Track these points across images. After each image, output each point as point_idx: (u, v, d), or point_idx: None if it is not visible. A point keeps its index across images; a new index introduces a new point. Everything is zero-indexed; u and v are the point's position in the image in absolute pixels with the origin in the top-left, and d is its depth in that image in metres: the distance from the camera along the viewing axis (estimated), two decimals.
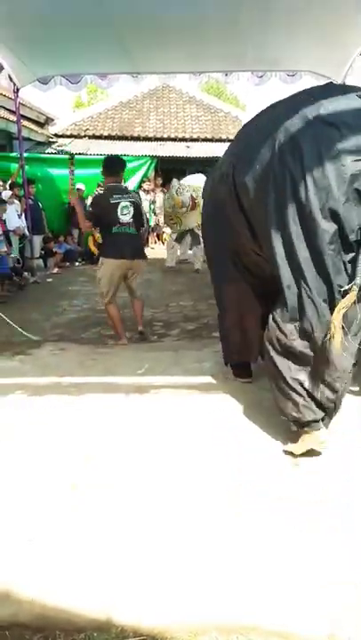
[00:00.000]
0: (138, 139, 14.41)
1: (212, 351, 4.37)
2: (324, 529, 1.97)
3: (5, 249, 6.93)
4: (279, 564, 1.80)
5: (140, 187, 11.90)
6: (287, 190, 2.35)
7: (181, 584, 1.73)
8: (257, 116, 2.97)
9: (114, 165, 4.70)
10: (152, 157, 12.49)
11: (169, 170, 14.66)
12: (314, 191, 2.26)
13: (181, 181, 9.20)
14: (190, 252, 9.34)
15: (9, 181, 8.15)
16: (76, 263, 10.16)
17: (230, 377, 3.65)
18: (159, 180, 13.85)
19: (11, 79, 7.10)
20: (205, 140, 14.55)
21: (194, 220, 8.53)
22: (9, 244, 7.23)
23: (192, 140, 14.54)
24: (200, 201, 8.42)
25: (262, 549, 1.88)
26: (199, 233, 8.70)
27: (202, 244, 8.72)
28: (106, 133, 14.55)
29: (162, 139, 14.49)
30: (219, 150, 13.88)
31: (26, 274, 8.07)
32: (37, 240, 8.98)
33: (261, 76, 7.36)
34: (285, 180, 2.36)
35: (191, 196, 8.26)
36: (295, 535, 1.94)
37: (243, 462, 2.51)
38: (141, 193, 11.98)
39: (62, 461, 2.55)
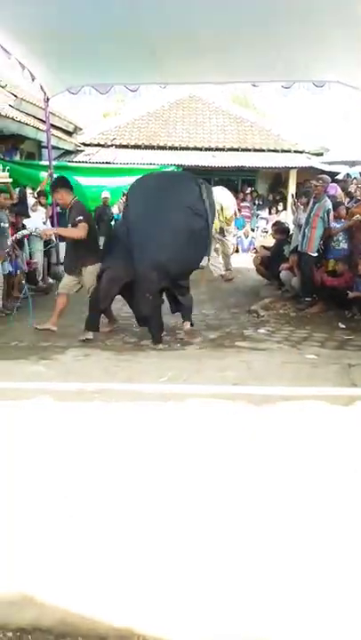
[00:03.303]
0: (164, 148, 14.52)
1: (236, 360, 4.36)
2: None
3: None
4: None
5: None
6: None
7: (203, 595, 1.71)
8: None
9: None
10: (177, 167, 12.56)
11: None
12: None
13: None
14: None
15: (37, 189, 8.29)
16: None
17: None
18: None
19: (42, 89, 7.26)
20: (231, 149, 14.60)
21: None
22: (20, 247, 7.26)
23: (218, 149, 14.60)
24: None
25: (276, 563, 1.85)
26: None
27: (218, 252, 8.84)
28: (132, 143, 14.71)
29: (187, 148, 14.58)
30: (244, 160, 14.00)
31: (51, 280, 8.17)
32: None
33: (289, 87, 7.36)
34: None
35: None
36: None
37: (262, 472, 2.49)
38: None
39: (85, 466, 2.56)
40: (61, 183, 5.25)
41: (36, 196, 8.13)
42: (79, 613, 1.63)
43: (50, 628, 1.59)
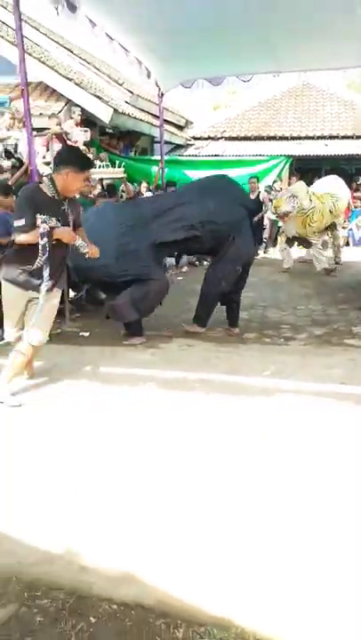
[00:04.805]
0: (274, 138, 14.23)
1: (343, 358, 4.18)
2: None
3: None
4: None
5: (272, 187, 11.77)
6: None
7: (302, 592, 1.67)
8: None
9: None
10: (287, 157, 12.26)
11: (306, 169, 14.26)
12: None
13: (317, 184, 8.98)
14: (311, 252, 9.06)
15: (153, 184, 8.59)
16: (205, 262, 10.35)
17: None
18: (294, 180, 13.54)
19: (157, 84, 7.42)
20: (345, 137, 13.91)
21: (293, 227, 8.33)
22: None
23: (331, 137, 13.99)
24: (319, 209, 8.13)
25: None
26: (310, 239, 8.48)
27: (315, 245, 8.46)
28: (242, 134, 14.59)
29: (299, 137, 14.15)
30: (359, 147, 13.26)
31: None
32: None
33: None
34: None
35: (293, 206, 7.99)
36: None
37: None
38: (273, 193, 11.82)
39: (185, 453, 2.61)
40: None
41: (152, 189, 8.44)
42: (179, 596, 1.67)
43: (151, 606, 1.65)
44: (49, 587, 1.75)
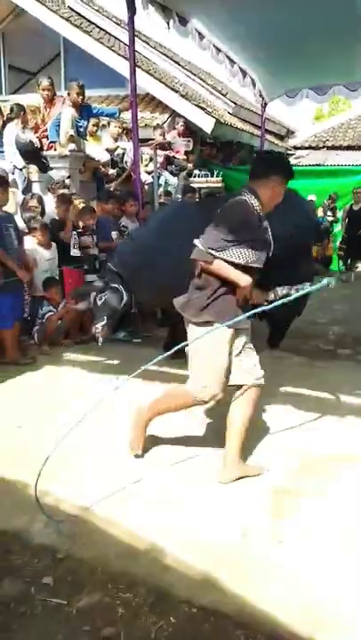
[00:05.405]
0: None
1: None
2: None
3: None
4: None
5: None
6: None
7: None
8: None
9: None
10: None
11: None
12: None
13: None
14: None
15: None
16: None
17: None
18: None
19: (260, 94, 7.39)
20: None
21: None
22: None
23: None
24: None
25: None
26: None
27: None
28: (345, 144, 14.13)
29: None
30: None
31: None
32: None
33: None
34: None
35: None
36: None
37: None
38: None
39: (271, 468, 2.57)
40: None
41: None
42: (259, 608, 1.64)
43: (230, 615, 1.64)
44: (132, 581, 1.80)
